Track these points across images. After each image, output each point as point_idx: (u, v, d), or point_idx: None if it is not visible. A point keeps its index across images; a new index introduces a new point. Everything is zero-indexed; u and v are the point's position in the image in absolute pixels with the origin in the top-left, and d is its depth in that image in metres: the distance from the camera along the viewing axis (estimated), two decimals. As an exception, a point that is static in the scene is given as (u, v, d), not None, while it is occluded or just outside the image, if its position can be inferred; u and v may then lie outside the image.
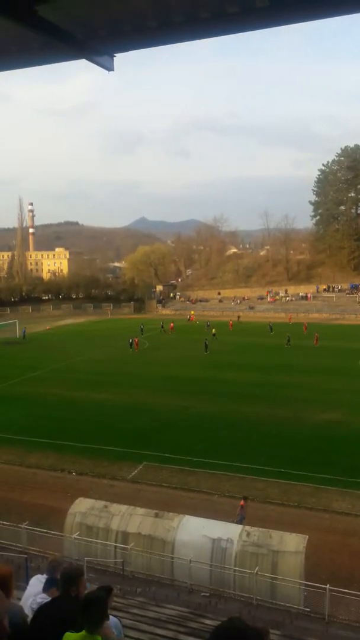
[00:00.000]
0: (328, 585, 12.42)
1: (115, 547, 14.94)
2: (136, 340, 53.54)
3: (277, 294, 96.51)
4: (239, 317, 79.09)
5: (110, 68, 5.38)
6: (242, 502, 17.21)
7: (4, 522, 16.15)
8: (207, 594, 13.53)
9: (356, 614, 12.63)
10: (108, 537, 15.10)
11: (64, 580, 4.74)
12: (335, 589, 12.46)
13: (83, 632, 3.64)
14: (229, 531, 14.40)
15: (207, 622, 9.00)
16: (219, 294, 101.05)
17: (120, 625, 5.63)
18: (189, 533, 14.50)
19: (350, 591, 12.56)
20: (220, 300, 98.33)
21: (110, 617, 5.12)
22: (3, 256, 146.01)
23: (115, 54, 5.30)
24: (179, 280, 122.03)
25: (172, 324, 68.47)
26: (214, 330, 60.33)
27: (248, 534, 14.09)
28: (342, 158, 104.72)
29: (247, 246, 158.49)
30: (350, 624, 12.33)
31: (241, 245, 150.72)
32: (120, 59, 5.46)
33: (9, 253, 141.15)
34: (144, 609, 9.55)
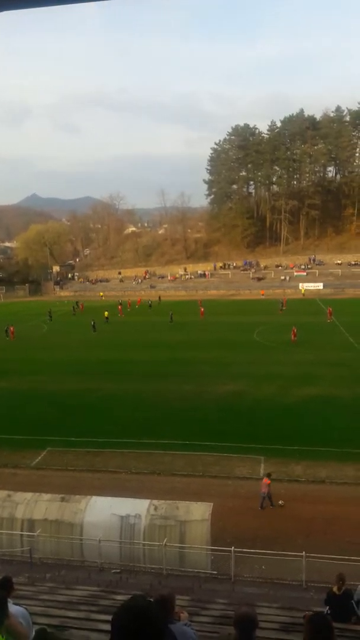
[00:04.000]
0: (233, 547, 13.06)
1: (22, 535, 14.49)
2: (12, 328, 50.49)
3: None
4: (159, 297, 78.45)
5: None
6: (266, 480, 17.01)
7: None
8: (118, 571, 13.64)
9: (259, 571, 13.43)
10: (13, 527, 14.61)
11: None
12: (240, 550, 13.13)
13: None
14: (136, 507, 14.53)
15: (119, 597, 9.05)
16: (120, 273, 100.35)
17: (28, 613, 5.44)
18: (97, 513, 14.44)
19: (253, 550, 13.31)
20: (121, 280, 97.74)
21: (16, 607, 4.92)
22: None
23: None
24: (77, 260, 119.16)
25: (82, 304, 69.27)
26: (106, 313, 59.78)
27: (156, 508, 14.33)
28: (233, 137, 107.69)
29: (146, 225, 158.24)
30: (254, 581, 13.10)
31: (139, 224, 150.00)
32: (5, 21, 5.01)
33: None
34: (54, 593, 9.38)
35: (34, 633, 5.24)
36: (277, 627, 7.28)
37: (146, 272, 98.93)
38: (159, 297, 78.08)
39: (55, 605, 8.29)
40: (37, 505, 14.88)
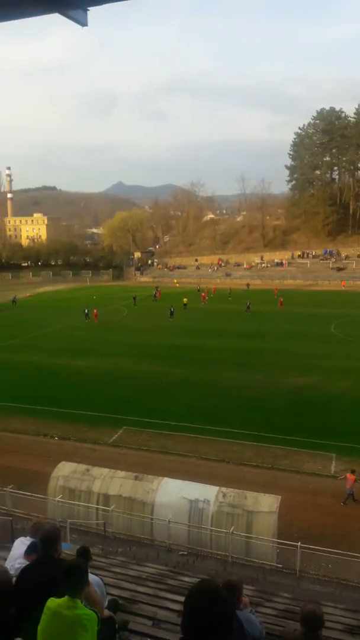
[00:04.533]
0: (299, 542, 13.00)
1: (97, 509, 15.31)
2: (95, 311, 52.24)
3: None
4: (248, 285, 77.09)
5: (84, 23, 5.17)
6: (350, 476, 16.89)
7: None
8: (185, 553, 14.05)
9: (325, 569, 13.28)
10: (90, 500, 15.45)
11: (45, 542, 4.84)
12: (306, 546, 13.04)
13: (65, 598, 3.78)
14: (205, 493, 14.84)
15: (186, 579, 9.37)
16: (197, 260, 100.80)
17: (103, 583, 5.85)
18: (168, 495, 14.91)
19: (320, 547, 13.15)
20: (197, 267, 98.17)
21: (93, 576, 5.30)
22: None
23: (88, 8, 5.09)
24: (157, 247, 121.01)
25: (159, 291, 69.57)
26: (185, 299, 59.63)
27: (224, 495, 14.56)
28: (318, 121, 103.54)
29: (224, 212, 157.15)
30: (319, 578, 12.98)
31: (218, 211, 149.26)
32: (93, 15, 5.26)
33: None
34: (125, 567, 9.88)
35: (106, 602, 5.64)
36: (342, 628, 7.23)
37: (219, 260, 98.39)
38: (247, 285, 76.83)
39: (126, 579, 8.75)
40: (112, 482, 15.63)
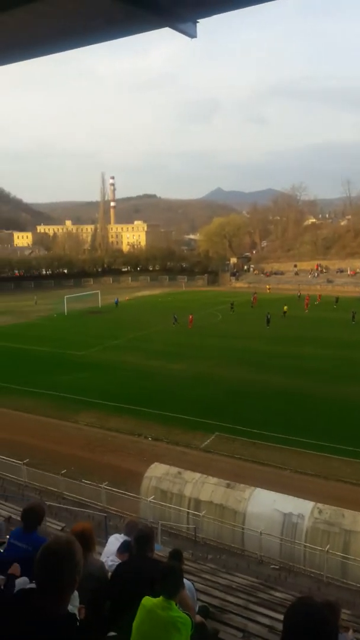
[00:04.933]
0: None
1: (188, 513, 15.39)
2: (190, 317, 52.08)
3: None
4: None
5: (193, 35, 5.24)
6: None
7: (86, 481, 17.19)
8: (277, 567, 13.66)
9: None
10: (181, 503, 15.58)
11: (140, 541, 4.93)
12: None
13: (161, 598, 3.81)
14: (300, 507, 14.35)
15: (277, 594, 9.09)
16: (295, 266, 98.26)
17: (194, 588, 5.83)
18: (260, 505, 14.62)
19: None
20: (296, 273, 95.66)
21: (185, 580, 5.30)
22: (87, 229, 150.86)
23: (198, 20, 5.15)
24: (254, 252, 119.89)
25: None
26: (285, 307, 57.44)
27: (320, 511, 13.98)
28: None
29: (327, 216, 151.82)
30: None
31: (320, 215, 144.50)
32: (200, 27, 5.31)
33: (93, 226, 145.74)
34: (215, 575, 9.79)
35: (197, 608, 5.62)
36: None
37: (317, 266, 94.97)
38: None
39: (216, 587, 8.66)
40: (204, 487, 15.64)
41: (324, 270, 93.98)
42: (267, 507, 14.50)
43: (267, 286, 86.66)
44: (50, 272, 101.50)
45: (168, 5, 4.82)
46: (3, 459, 18.91)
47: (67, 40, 5.20)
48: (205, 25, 5.24)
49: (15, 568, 4.19)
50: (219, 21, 5.22)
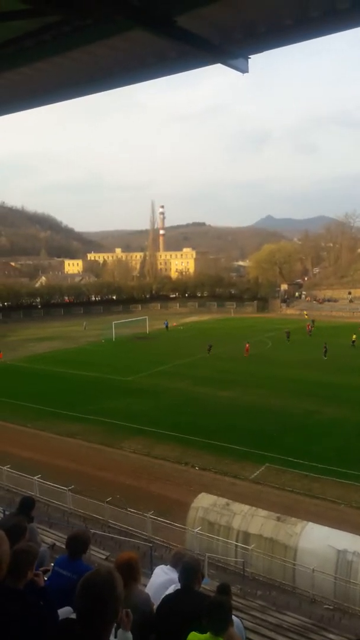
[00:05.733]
0: None
1: (236, 546, 14.97)
2: (247, 345, 50.47)
3: None
4: None
5: (245, 70, 5.38)
6: None
7: (132, 510, 17.06)
8: (331, 607, 12.99)
9: None
10: (229, 535, 15.19)
11: (187, 573, 4.81)
12: None
13: (208, 634, 3.70)
14: (356, 544, 13.66)
15: (331, 636, 8.64)
16: (350, 293, 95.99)
17: (242, 626, 5.63)
18: (313, 541, 14.04)
19: None
20: (350, 300, 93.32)
21: (234, 617, 5.13)
22: (136, 256, 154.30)
23: (250, 56, 5.28)
24: (306, 279, 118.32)
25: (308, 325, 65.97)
26: (354, 336, 54.72)
27: (377, 550, 13.26)
28: None
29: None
30: None
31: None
32: (252, 58, 5.43)
33: (142, 254, 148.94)
34: (265, 613, 9.44)
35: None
36: None
37: None
38: None
39: (266, 625, 8.35)
40: (253, 520, 15.20)
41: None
42: (320, 542, 13.90)
43: (305, 312, 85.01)
44: (99, 298, 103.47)
45: (219, 43, 4.98)
46: (48, 484, 19.00)
47: (121, 78, 5.45)
48: (258, 56, 5.37)
49: (39, 576, 4.10)
50: (269, 53, 5.32)
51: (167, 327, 70.72)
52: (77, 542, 5.33)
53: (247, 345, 50.65)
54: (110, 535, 15.68)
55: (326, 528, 14.72)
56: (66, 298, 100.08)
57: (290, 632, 8.40)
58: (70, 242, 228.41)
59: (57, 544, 10.74)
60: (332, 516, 17.57)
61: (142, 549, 14.06)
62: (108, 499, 17.67)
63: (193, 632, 3.81)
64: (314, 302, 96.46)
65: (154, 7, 4.12)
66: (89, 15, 4.11)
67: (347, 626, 11.56)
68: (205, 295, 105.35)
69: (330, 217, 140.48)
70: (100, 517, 17.58)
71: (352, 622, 12.23)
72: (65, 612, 4.01)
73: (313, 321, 69.32)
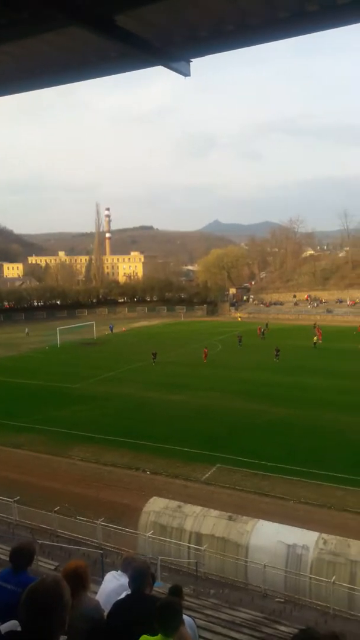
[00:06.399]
0: None
1: (189, 547, 15.03)
2: (205, 350, 50.12)
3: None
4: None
5: (186, 73, 5.45)
6: None
7: (82, 518, 16.73)
8: (282, 600, 13.27)
9: None
10: (182, 538, 15.23)
11: (136, 577, 4.78)
12: None
13: (159, 636, 3.69)
14: (304, 538, 14.04)
15: (282, 628, 8.82)
16: (295, 296, 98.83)
17: (195, 625, 5.65)
18: (264, 537, 14.30)
19: None
20: (295, 304, 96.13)
21: (186, 617, 5.14)
22: (81, 260, 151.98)
23: (191, 60, 5.36)
24: (253, 283, 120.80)
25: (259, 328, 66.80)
26: (315, 338, 56.13)
27: (325, 542, 13.68)
28: None
29: (325, 248, 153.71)
30: None
31: (318, 247, 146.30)
32: (195, 63, 5.52)
33: (87, 257, 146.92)
34: (218, 610, 9.52)
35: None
36: None
37: (307, 297, 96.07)
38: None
39: (219, 622, 8.43)
40: (205, 520, 15.32)
41: (323, 301, 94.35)
42: (271, 539, 14.18)
43: (238, 315, 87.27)
44: (42, 303, 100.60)
45: (160, 46, 5.03)
46: (-8, 497, 18.28)
47: (61, 75, 5.39)
48: (200, 62, 5.47)
49: None
50: (214, 58, 5.43)
51: (111, 330, 70.82)
52: (21, 554, 5.18)
53: (205, 350, 50.12)
54: (59, 545, 15.33)
55: (276, 524, 15.04)
56: (6, 303, 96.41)
57: (243, 627, 8.51)
58: (9, 245, 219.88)
59: (2, 557, 10.37)
60: (281, 512, 17.96)
61: (92, 556, 13.83)
62: (56, 509, 17.24)
63: (144, 635, 3.79)
64: (262, 305, 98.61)
65: (93, 4, 4.10)
66: (23, 8, 4.04)
67: (298, 617, 11.84)
68: (154, 299, 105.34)
69: (275, 223, 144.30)
70: (49, 527, 17.11)
71: (303, 613, 12.55)
72: (11, 625, 3.89)
73: (267, 324, 70.86)
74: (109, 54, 5.12)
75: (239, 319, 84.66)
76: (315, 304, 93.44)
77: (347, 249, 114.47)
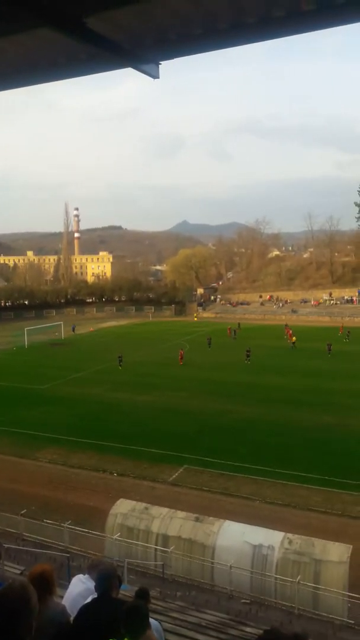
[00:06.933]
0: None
1: (156, 549, 14.99)
2: (181, 352, 48.95)
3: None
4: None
5: (155, 76, 5.45)
6: None
7: (48, 521, 16.52)
8: (248, 601, 13.39)
9: None
10: (148, 540, 15.18)
11: (102, 581, 4.75)
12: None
13: None
14: (270, 538, 14.20)
15: (248, 629, 8.89)
16: (261, 296, 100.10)
17: (161, 628, 5.64)
18: (230, 538, 14.40)
19: None
20: (262, 304, 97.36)
21: (152, 620, 5.13)
22: (50, 260, 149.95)
23: (160, 62, 5.36)
24: (220, 283, 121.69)
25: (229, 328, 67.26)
26: (294, 338, 55.81)
27: (290, 542, 13.86)
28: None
29: (290, 249, 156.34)
30: None
31: (284, 248, 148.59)
32: (164, 65, 5.53)
33: (56, 257, 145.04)
34: (184, 613, 9.52)
35: (165, 649, 5.41)
36: None
37: (270, 297, 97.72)
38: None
39: (185, 625, 8.43)
40: (172, 522, 15.31)
41: (288, 302, 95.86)
42: (237, 539, 14.28)
43: (195, 314, 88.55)
44: (9, 303, 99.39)
45: (130, 48, 5.01)
46: None
47: (30, 76, 5.30)
48: (170, 63, 5.47)
49: None
50: (183, 60, 5.44)
51: (73, 330, 71.40)
52: None
53: (182, 352, 49.16)
54: (25, 548, 15.06)
55: (242, 524, 15.16)
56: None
57: (209, 629, 8.54)
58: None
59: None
60: (247, 512, 18.12)
61: (59, 560, 13.65)
62: (22, 512, 16.97)
63: (111, 639, 3.76)
64: (229, 305, 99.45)
65: (62, 6, 4.05)
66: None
67: (263, 618, 11.98)
68: (123, 299, 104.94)
69: (242, 224, 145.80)
70: (14, 531, 16.83)
71: (268, 613, 12.70)
72: None
73: (239, 324, 71.47)
74: (78, 56, 5.06)
75: (195, 319, 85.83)
76: (281, 304, 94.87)
77: (311, 249, 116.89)
